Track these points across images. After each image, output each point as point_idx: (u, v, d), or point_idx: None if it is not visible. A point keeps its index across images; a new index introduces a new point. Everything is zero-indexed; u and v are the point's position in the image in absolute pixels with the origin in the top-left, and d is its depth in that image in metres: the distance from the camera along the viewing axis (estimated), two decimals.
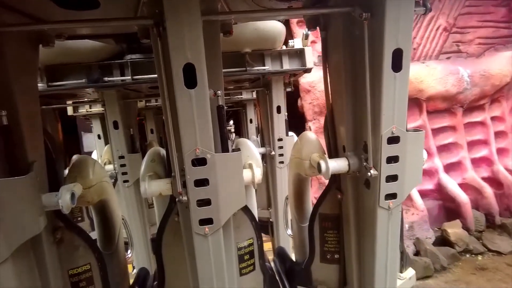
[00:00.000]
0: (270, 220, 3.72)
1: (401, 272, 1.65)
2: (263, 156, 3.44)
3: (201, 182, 1.21)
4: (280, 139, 3.29)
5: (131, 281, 1.96)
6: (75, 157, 1.59)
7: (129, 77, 2.74)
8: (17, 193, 1.09)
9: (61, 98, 3.37)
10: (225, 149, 1.29)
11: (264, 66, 2.92)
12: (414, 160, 1.32)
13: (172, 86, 1.14)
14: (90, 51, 2.52)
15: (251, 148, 1.62)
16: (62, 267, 1.42)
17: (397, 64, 1.20)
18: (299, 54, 2.99)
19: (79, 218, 3.24)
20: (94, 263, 1.50)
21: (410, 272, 1.68)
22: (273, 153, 3.34)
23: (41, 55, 1.39)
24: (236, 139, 2.24)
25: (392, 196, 1.32)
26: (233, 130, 8.02)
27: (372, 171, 1.30)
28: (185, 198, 1.22)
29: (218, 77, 1.34)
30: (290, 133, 3.34)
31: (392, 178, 1.30)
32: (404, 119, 1.27)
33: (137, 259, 3.13)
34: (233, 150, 1.34)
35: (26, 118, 1.22)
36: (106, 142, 3.79)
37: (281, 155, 3.32)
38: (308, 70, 3.03)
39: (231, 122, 7.73)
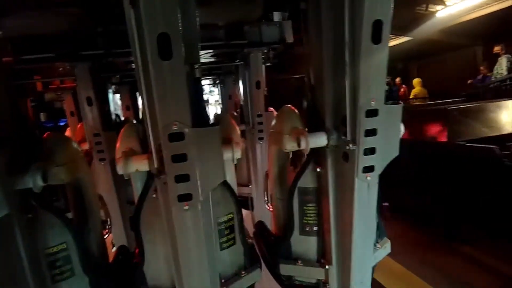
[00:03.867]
0: (251, 196, 3.75)
1: (376, 242, 1.70)
2: (243, 132, 3.42)
3: (179, 158, 1.18)
4: (259, 115, 3.27)
5: (111, 259, 1.94)
6: (47, 134, 1.53)
7: (102, 51, 2.63)
8: None
9: (31, 73, 3.21)
10: (203, 123, 1.26)
11: (243, 39, 2.86)
12: (392, 132, 1.34)
13: (147, 58, 1.09)
14: (59, 22, 2.38)
15: (230, 123, 1.60)
16: (37, 247, 1.38)
17: (377, 36, 1.18)
18: (279, 27, 2.93)
19: (54, 198, 3.16)
20: (71, 242, 1.47)
21: (385, 242, 1.74)
22: (252, 129, 3.33)
23: (8, 26, 1.30)
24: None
25: (370, 168, 1.34)
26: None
27: (351, 145, 1.30)
28: (162, 174, 1.20)
29: (194, 48, 1.29)
30: (270, 109, 3.32)
31: (370, 151, 1.31)
32: (383, 91, 1.27)
33: (116, 237, 3.10)
34: (212, 125, 1.31)
35: None
36: (80, 119, 3.66)
37: (261, 131, 3.31)
38: (287, 44, 2.99)
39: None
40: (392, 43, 11.29)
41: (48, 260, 1.42)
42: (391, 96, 12.84)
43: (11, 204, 1.15)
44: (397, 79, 14.04)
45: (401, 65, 16.21)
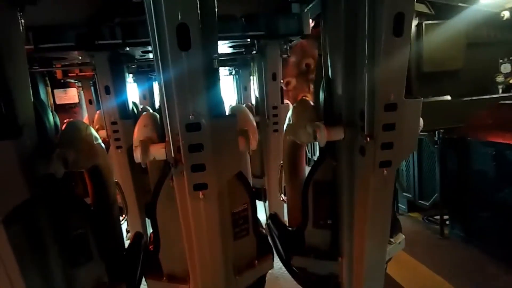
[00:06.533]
0: (264, 188, 3.76)
1: (391, 237, 1.69)
2: (258, 124, 3.41)
3: (196, 147, 1.20)
4: (275, 107, 3.26)
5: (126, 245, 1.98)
6: (67, 121, 1.56)
7: (120, 40, 2.64)
8: (7, 156, 1.06)
9: (50, 61, 3.27)
10: (220, 114, 1.27)
11: (259, 31, 2.83)
12: (410, 128, 1.32)
13: (166, 48, 1.10)
14: (78, 12, 2.41)
15: (246, 114, 1.60)
16: (56, 232, 1.42)
17: (399, 29, 1.16)
18: (296, 19, 2.89)
19: (73, 184, 3.23)
20: (89, 227, 1.50)
21: (399, 237, 1.73)
22: (267, 121, 3.32)
23: (28, 15, 1.32)
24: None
25: (386, 163, 1.32)
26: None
27: (368, 139, 1.29)
28: (179, 163, 1.21)
29: (213, 39, 1.29)
30: (285, 101, 3.31)
31: (388, 145, 1.30)
32: (403, 86, 1.25)
33: (131, 223, 3.16)
34: (229, 116, 1.32)
35: (14, 80, 1.17)
36: (98, 108, 3.72)
37: (276, 123, 3.30)
38: (304, 36, 2.94)
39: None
40: None
41: (67, 245, 1.46)
42: None
43: (32, 189, 1.18)
44: None
45: None
